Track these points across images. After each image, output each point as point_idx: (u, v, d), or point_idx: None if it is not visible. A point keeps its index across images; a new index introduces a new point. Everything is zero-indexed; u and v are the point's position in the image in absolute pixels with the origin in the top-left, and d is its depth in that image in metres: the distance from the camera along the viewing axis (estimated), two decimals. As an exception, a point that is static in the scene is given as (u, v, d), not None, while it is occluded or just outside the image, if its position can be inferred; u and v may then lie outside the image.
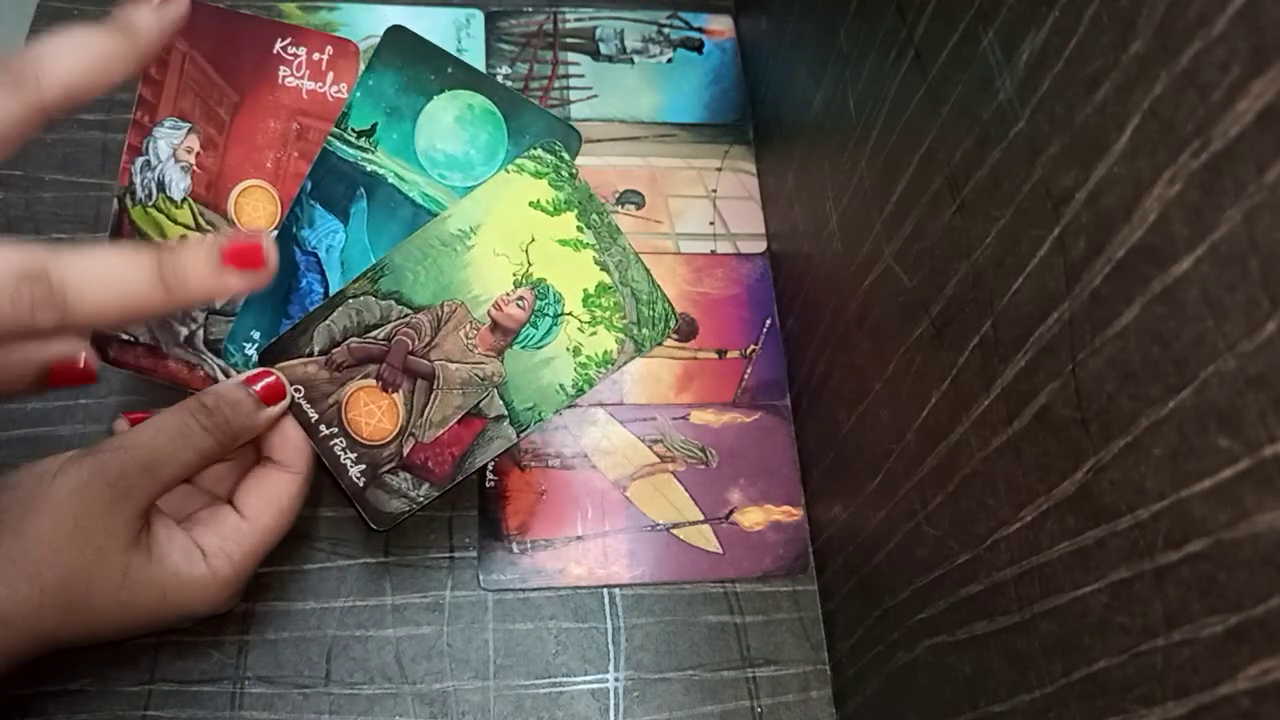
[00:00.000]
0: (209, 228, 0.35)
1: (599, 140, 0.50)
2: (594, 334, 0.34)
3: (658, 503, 0.43)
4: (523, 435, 0.35)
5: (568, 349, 0.34)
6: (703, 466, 0.44)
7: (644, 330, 0.34)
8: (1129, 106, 0.20)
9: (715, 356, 0.46)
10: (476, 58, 0.52)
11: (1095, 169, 0.21)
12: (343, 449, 0.35)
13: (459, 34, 0.52)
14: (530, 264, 0.34)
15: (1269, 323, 0.17)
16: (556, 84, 0.52)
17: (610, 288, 0.34)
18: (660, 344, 0.34)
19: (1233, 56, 0.17)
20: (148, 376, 0.36)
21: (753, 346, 0.47)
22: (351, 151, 0.34)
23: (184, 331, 0.36)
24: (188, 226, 0.35)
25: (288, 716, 0.37)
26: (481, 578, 0.40)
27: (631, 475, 0.43)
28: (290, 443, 0.34)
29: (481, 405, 0.34)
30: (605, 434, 0.44)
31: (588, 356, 0.34)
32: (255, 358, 0.35)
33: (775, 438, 0.45)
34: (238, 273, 0.28)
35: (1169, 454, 0.19)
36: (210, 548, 0.32)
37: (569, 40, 0.53)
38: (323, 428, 0.35)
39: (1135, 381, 0.20)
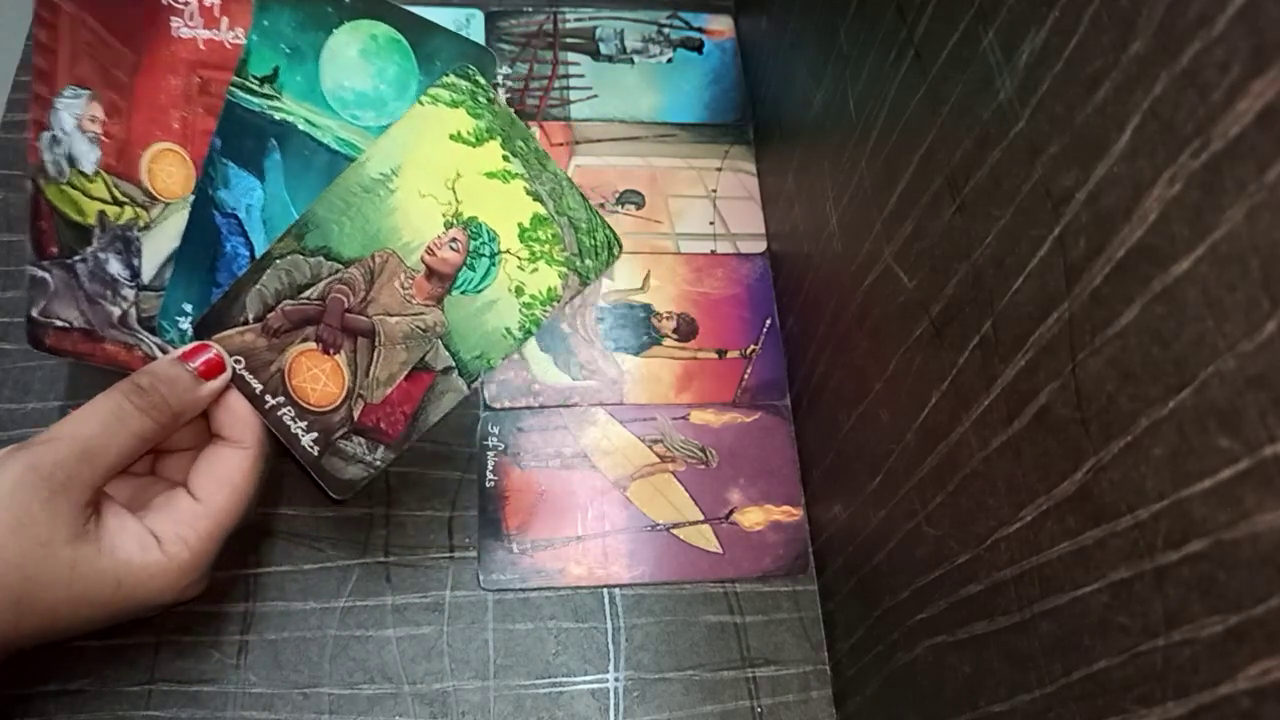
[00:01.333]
0: (125, 199, 0.33)
1: (599, 140, 0.51)
2: (535, 270, 0.32)
3: (658, 503, 0.43)
4: (473, 385, 0.33)
5: (509, 289, 0.32)
6: (703, 466, 0.44)
7: (587, 261, 0.32)
8: (1129, 106, 0.20)
9: (715, 356, 0.46)
10: (476, 58, 0.52)
11: (1095, 169, 0.21)
12: (292, 418, 0.33)
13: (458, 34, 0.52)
14: (459, 202, 0.32)
15: (1269, 323, 0.17)
16: (556, 84, 0.52)
17: (546, 219, 0.32)
18: (604, 272, 0.32)
19: (1233, 56, 0.17)
20: (88, 361, 0.35)
21: (753, 346, 0.47)
22: (256, 100, 0.32)
23: (116, 311, 0.34)
24: (103, 200, 0.33)
25: (288, 716, 0.37)
26: (481, 578, 0.40)
27: (631, 475, 0.43)
28: (237, 417, 0.33)
29: (427, 358, 0.33)
30: (605, 434, 0.44)
31: (531, 295, 0.32)
32: (191, 332, 0.33)
33: (775, 438, 0.45)
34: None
35: (1169, 454, 0.19)
36: (165, 534, 0.31)
37: (569, 40, 0.53)
38: (268, 398, 0.33)
39: (1135, 381, 0.20)
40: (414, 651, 0.38)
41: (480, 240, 0.32)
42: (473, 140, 0.31)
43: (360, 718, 0.37)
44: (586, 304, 0.47)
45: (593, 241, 0.32)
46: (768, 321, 0.47)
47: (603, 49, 0.53)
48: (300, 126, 0.32)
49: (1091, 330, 0.21)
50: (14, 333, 0.42)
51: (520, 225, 0.32)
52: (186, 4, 0.32)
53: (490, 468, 0.42)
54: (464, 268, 0.32)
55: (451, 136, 0.31)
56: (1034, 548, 0.24)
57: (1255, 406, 0.17)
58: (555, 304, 0.32)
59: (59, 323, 0.35)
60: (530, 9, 0.53)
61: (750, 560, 0.42)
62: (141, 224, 0.33)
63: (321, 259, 0.32)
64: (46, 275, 0.34)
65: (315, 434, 0.34)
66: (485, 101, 0.31)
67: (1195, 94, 0.18)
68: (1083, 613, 0.22)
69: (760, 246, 0.49)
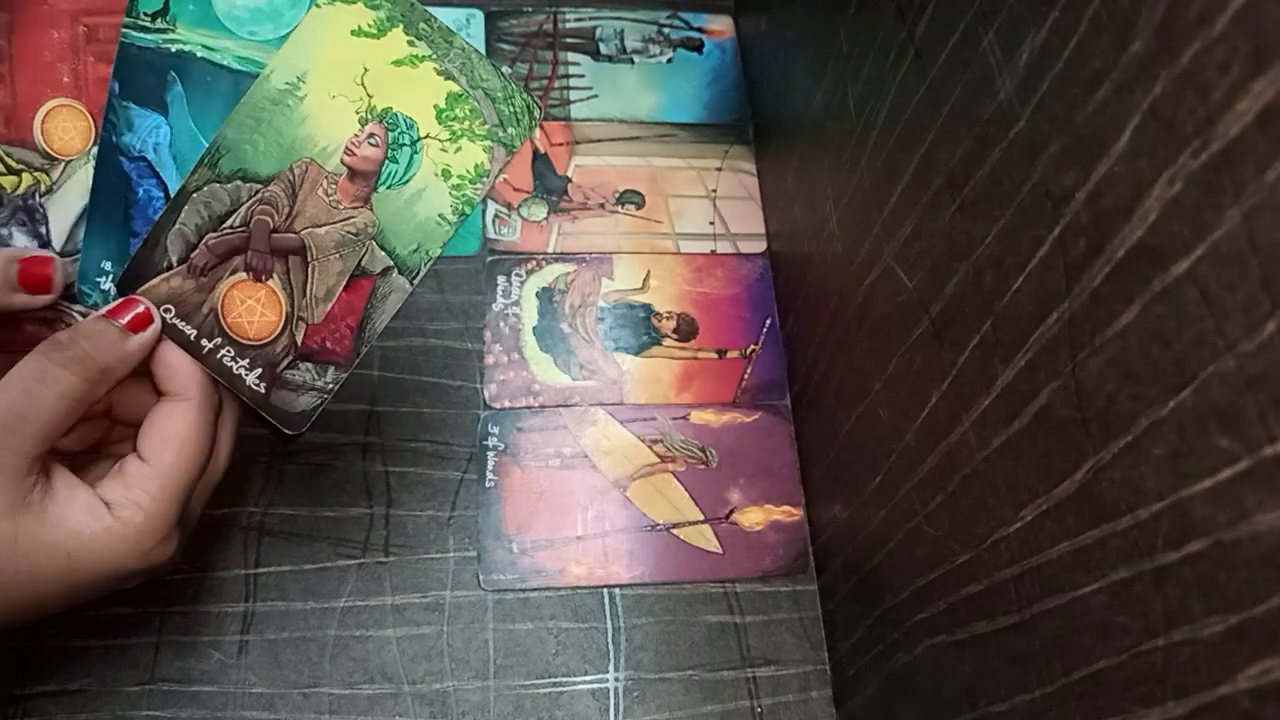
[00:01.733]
0: (20, 166, 0.32)
1: (599, 140, 0.51)
2: (459, 150, 0.31)
3: (658, 503, 0.43)
4: (415, 282, 0.32)
5: (436, 174, 0.31)
6: (703, 466, 0.44)
7: (509, 129, 0.31)
8: (1129, 106, 0.20)
9: (715, 356, 0.46)
10: (476, 58, 0.52)
11: (1095, 169, 0.21)
12: (232, 358, 0.32)
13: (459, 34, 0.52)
14: (370, 96, 0.31)
15: (1269, 323, 0.17)
16: (556, 84, 0.52)
17: (461, 95, 0.31)
18: (529, 137, 0.32)
19: (1233, 56, 0.17)
20: (8, 350, 0.33)
21: (753, 346, 0.47)
22: (151, 37, 0.31)
23: None
24: None
25: (288, 716, 0.37)
26: (481, 578, 0.40)
27: (631, 475, 0.43)
28: (173, 369, 0.31)
29: (364, 262, 0.32)
30: (605, 434, 0.44)
31: (460, 176, 0.31)
32: (114, 290, 0.32)
33: (775, 438, 0.45)
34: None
35: (1169, 454, 0.19)
36: (114, 499, 0.29)
37: (569, 40, 0.53)
38: (204, 342, 0.32)
39: (1135, 381, 0.20)
40: (414, 651, 0.38)
41: (398, 130, 0.31)
42: (375, 32, 0.31)
43: (360, 718, 0.37)
44: (587, 304, 0.47)
45: (511, 109, 0.31)
46: (768, 321, 0.47)
47: (603, 49, 0.53)
48: (199, 54, 0.31)
49: (1091, 330, 0.21)
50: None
51: (436, 107, 0.31)
52: None
53: (490, 468, 0.42)
54: (386, 161, 0.31)
55: (353, 33, 0.31)
56: (1034, 548, 0.24)
57: (1255, 406, 0.17)
58: (485, 180, 0.32)
59: None
60: (530, 9, 0.53)
61: (750, 560, 0.42)
62: (44, 189, 0.32)
63: (239, 183, 0.31)
64: None
65: (259, 369, 0.32)
66: None
67: (1195, 94, 0.18)
68: (1083, 613, 0.22)
69: (760, 246, 0.49)
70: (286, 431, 0.33)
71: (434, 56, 0.31)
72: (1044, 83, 0.22)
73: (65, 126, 0.32)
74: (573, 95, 0.51)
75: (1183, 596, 0.19)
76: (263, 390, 0.32)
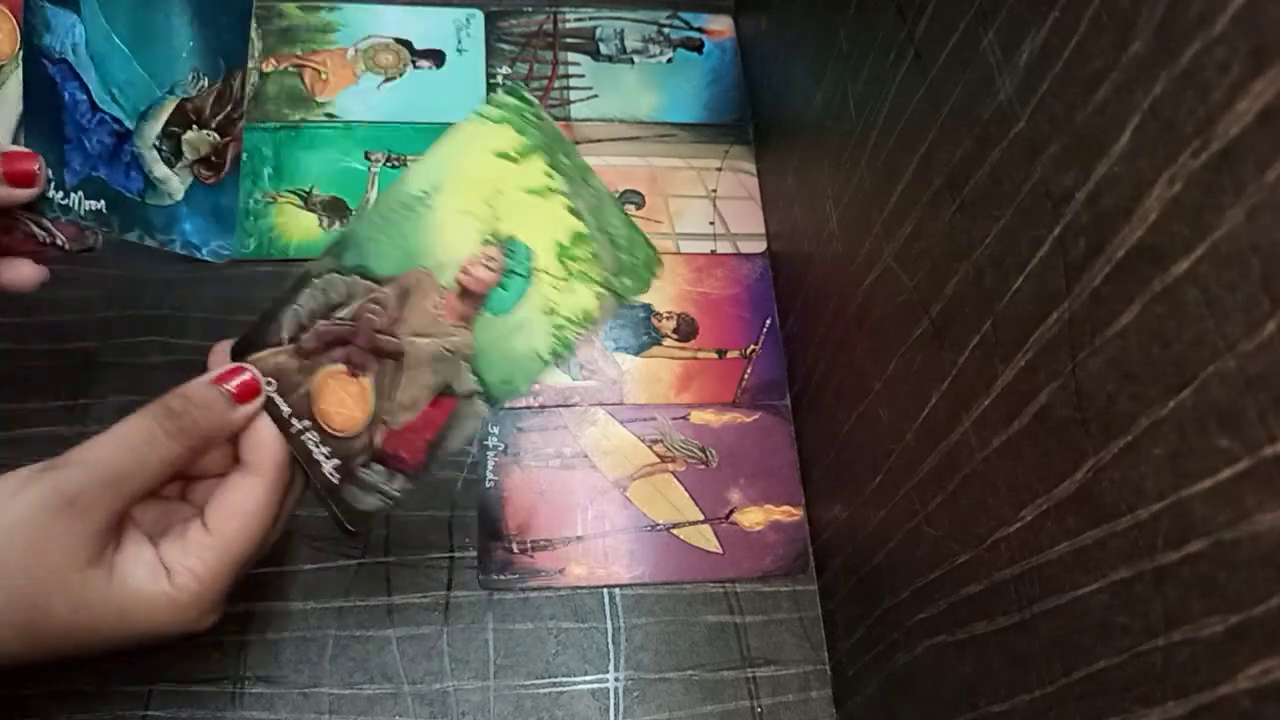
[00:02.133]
0: None
1: (599, 140, 0.51)
2: (570, 290, 0.31)
3: (658, 503, 0.43)
4: (496, 409, 0.32)
5: (542, 310, 0.31)
6: (703, 466, 0.44)
7: (625, 280, 0.30)
8: (1129, 106, 0.20)
9: (715, 356, 0.46)
10: (476, 57, 0.52)
11: (1095, 169, 0.21)
12: (315, 443, 0.32)
13: (459, 34, 0.52)
14: (498, 219, 0.31)
15: (1269, 323, 0.17)
16: (556, 84, 0.52)
17: (585, 236, 0.30)
18: (643, 291, 0.31)
19: (1233, 56, 0.17)
20: None
21: (753, 346, 0.47)
22: None
23: None
24: None
25: (288, 716, 0.37)
26: (481, 578, 0.40)
27: (631, 475, 0.43)
28: (258, 442, 0.31)
29: (452, 383, 0.32)
30: (605, 434, 0.44)
31: (565, 317, 0.31)
32: (56, 197, 0.31)
33: (775, 438, 0.45)
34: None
35: (1169, 454, 0.19)
36: (174, 564, 0.30)
37: (569, 40, 0.53)
38: (295, 421, 0.32)
39: (1135, 381, 0.20)
40: (414, 651, 0.38)
41: (516, 258, 0.31)
42: (516, 156, 0.30)
43: (360, 718, 0.37)
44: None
45: (632, 259, 0.30)
46: (768, 321, 0.47)
47: (603, 49, 0.53)
48: None
49: (1091, 330, 0.21)
50: (14, 332, 0.42)
51: (559, 243, 0.30)
52: None
53: (490, 468, 0.42)
54: (497, 287, 0.31)
55: (496, 153, 0.30)
56: (1034, 548, 0.24)
57: (1255, 406, 0.17)
58: (590, 326, 0.31)
59: None
60: (530, 9, 0.53)
61: (750, 560, 0.42)
62: None
63: (357, 277, 0.31)
64: None
65: (337, 461, 0.32)
66: (532, 118, 0.30)
67: (1195, 94, 0.18)
68: (1083, 613, 0.22)
69: (760, 246, 0.49)
70: (349, 528, 0.33)
71: (568, 192, 0.30)
72: (1044, 83, 0.22)
73: None
74: (573, 95, 0.51)
75: (1183, 596, 0.19)
76: (336, 481, 0.33)
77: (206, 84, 0.30)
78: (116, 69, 0.31)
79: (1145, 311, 0.20)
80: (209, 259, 0.32)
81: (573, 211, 0.30)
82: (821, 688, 0.40)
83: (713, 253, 0.49)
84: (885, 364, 0.33)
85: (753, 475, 0.44)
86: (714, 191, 0.50)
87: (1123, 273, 0.20)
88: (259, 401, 0.32)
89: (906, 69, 0.30)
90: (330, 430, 0.32)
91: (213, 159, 0.31)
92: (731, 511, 0.43)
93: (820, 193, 0.40)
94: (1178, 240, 0.19)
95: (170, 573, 0.30)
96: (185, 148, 0.31)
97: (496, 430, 0.43)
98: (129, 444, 0.29)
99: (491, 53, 0.52)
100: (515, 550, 0.41)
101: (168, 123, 0.31)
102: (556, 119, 0.51)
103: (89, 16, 0.30)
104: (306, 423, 0.32)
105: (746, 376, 0.46)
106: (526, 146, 0.30)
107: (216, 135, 0.31)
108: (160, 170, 0.31)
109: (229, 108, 0.31)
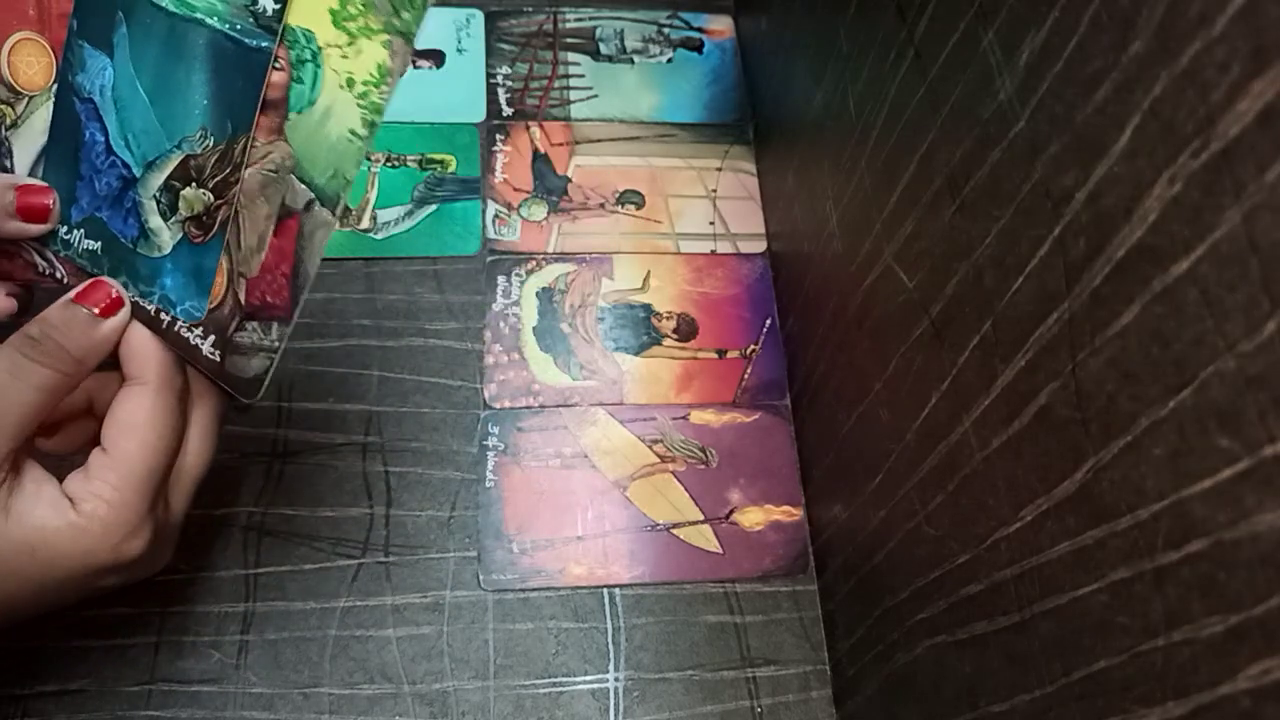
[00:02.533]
0: None
1: (599, 140, 0.51)
2: (359, 52, 0.29)
3: (658, 503, 0.43)
4: (338, 213, 0.31)
5: (340, 85, 0.29)
6: (703, 466, 0.44)
7: (404, 15, 0.29)
8: (1129, 106, 0.20)
9: (715, 356, 0.46)
10: (476, 57, 0.52)
11: (1095, 169, 0.21)
12: (188, 329, 0.31)
13: (459, 34, 0.52)
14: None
15: (1269, 323, 0.17)
16: (556, 84, 0.52)
17: None
18: (423, 17, 0.29)
19: (1233, 56, 0.17)
20: None
21: (753, 346, 0.47)
22: None
23: None
24: None
25: (288, 716, 0.37)
26: (481, 578, 0.40)
27: (631, 475, 0.43)
28: (132, 349, 0.30)
29: (286, 201, 0.30)
30: (605, 434, 0.44)
31: (364, 82, 0.29)
32: (60, 231, 0.31)
33: (775, 438, 0.45)
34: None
35: (1169, 454, 0.19)
36: (78, 493, 0.28)
37: (569, 40, 0.53)
38: (164, 315, 0.31)
39: (1135, 381, 0.20)
40: (414, 651, 0.38)
41: (299, 46, 0.29)
42: None
43: (360, 718, 0.37)
44: (586, 304, 0.47)
45: None
46: (768, 321, 0.47)
47: (603, 49, 0.53)
48: None
49: (1091, 330, 0.21)
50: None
51: (330, 10, 0.29)
52: None
53: (490, 468, 0.42)
54: (292, 83, 0.29)
55: None
56: (1034, 548, 0.24)
57: (1255, 406, 0.17)
58: (389, 79, 0.29)
59: None
60: (530, 9, 0.53)
61: (750, 560, 0.42)
62: (9, 122, 0.31)
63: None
64: None
65: (213, 337, 0.31)
66: None
67: (1195, 94, 0.18)
68: (1083, 613, 0.22)
69: (760, 246, 0.49)
70: (243, 400, 0.32)
71: None
72: (1044, 83, 0.22)
73: (30, 61, 0.31)
74: (573, 95, 0.51)
75: (1183, 596, 0.19)
76: (217, 358, 0.31)
77: (211, 144, 0.30)
78: (135, 116, 0.31)
79: (1145, 311, 0.20)
80: (181, 318, 0.31)
81: None
82: (821, 688, 0.40)
83: (713, 253, 0.49)
84: (885, 364, 0.33)
85: (753, 475, 0.44)
86: (714, 191, 0.50)
87: (1123, 273, 0.20)
88: (125, 313, 0.30)
89: (906, 69, 0.30)
90: None
91: (204, 218, 0.31)
92: (731, 511, 0.43)
93: (820, 193, 0.40)
94: (1178, 240, 0.19)
95: (75, 502, 0.28)
96: (181, 203, 0.30)
97: (496, 430, 0.43)
98: None
99: (491, 53, 0.52)
100: (515, 550, 0.41)
101: (170, 176, 0.31)
102: (557, 119, 0.51)
103: (120, 61, 0.30)
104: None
105: (746, 376, 0.46)
106: None
107: (211, 196, 0.30)
108: (155, 221, 0.31)
109: (227, 171, 0.30)
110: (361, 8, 0.29)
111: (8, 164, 0.31)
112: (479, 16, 0.53)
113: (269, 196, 0.30)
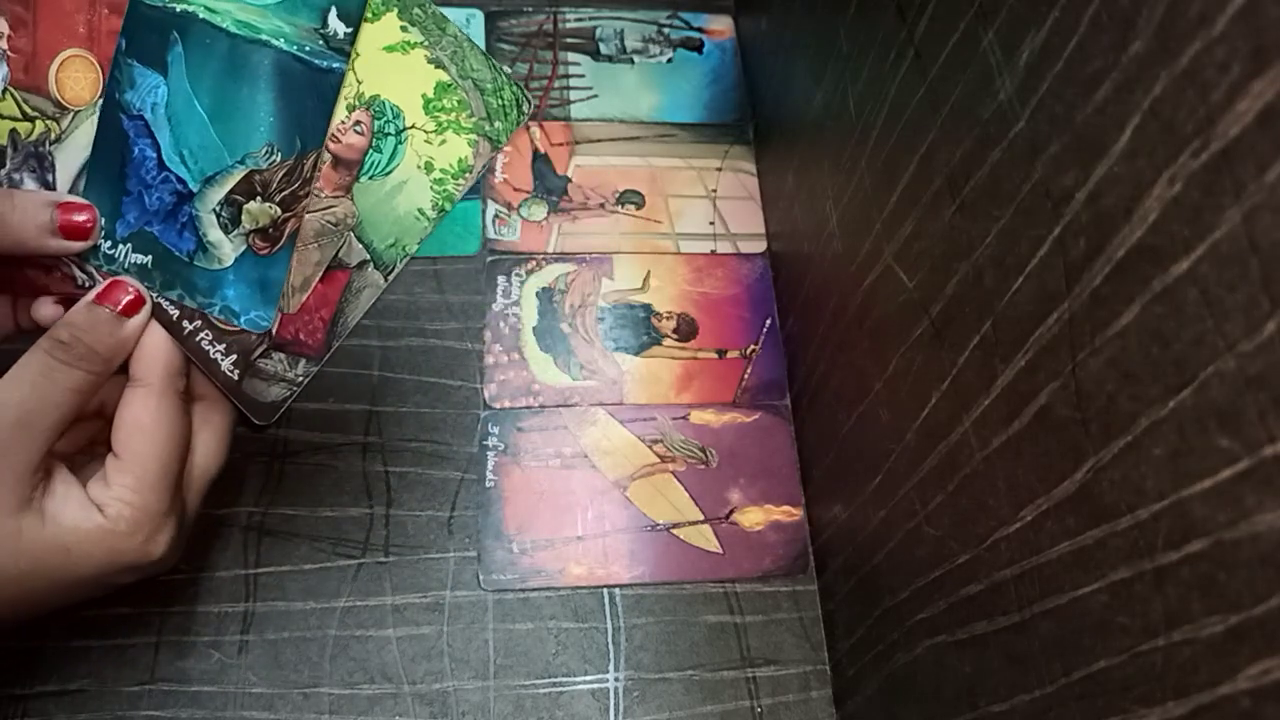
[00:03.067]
0: (35, 113, 0.32)
1: (599, 140, 0.51)
2: (443, 142, 0.31)
3: (658, 503, 0.43)
4: (390, 278, 0.32)
5: (419, 166, 0.31)
6: (703, 466, 0.44)
7: (496, 123, 0.31)
8: (1129, 106, 0.20)
9: (715, 356, 0.46)
10: (476, 58, 0.52)
11: (1095, 169, 0.21)
12: (210, 341, 0.32)
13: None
14: (360, 82, 0.30)
15: (1269, 323, 0.17)
16: (556, 84, 0.52)
17: (450, 85, 0.30)
18: (515, 132, 0.31)
19: (1233, 56, 0.17)
20: (6, 294, 0.33)
21: (753, 346, 0.47)
22: None
23: None
24: (13, 118, 0.32)
25: (288, 716, 0.37)
26: (481, 578, 0.40)
27: (631, 475, 0.43)
28: (145, 353, 0.31)
29: (340, 254, 0.31)
30: (605, 434, 0.44)
31: (442, 170, 0.31)
32: (104, 246, 0.32)
33: (775, 438, 0.45)
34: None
35: (1169, 454, 0.19)
36: (100, 497, 0.29)
37: (569, 40, 0.53)
38: (186, 323, 0.31)
39: (1135, 381, 0.20)
40: (414, 651, 0.38)
41: (384, 119, 0.31)
42: (370, 15, 0.30)
43: (360, 718, 0.37)
44: (586, 304, 0.47)
45: (500, 102, 0.31)
46: (768, 321, 0.47)
47: (603, 49, 0.53)
48: (201, 15, 0.31)
49: (1091, 330, 0.21)
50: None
51: (424, 96, 0.30)
52: None
53: (490, 468, 0.42)
54: (370, 150, 0.31)
55: None
56: (1034, 548, 0.24)
57: (1255, 406, 0.17)
58: (467, 175, 0.31)
59: None
60: (530, 9, 0.53)
61: (750, 560, 0.42)
62: (54, 137, 0.32)
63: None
64: None
65: (234, 356, 0.32)
66: None
67: (1195, 94, 0.18)
68: (1083, 613, 0.22)
69: (760, 246, 0.49)
70: (256, 421, 0.33)
71: (426, 43, 0.30)
72: (1044, 83, 0.22)
73: (77, 77, 0.31)
74: (573, 95, 0.51)
75: (1183, 596, 0.19)
76: (236, 377, 0.32)
77: (279, 159, 0.31)
78: (192, 133, 0.31)
79: (1145, 311, 0.20)
80: (246, 328, 0.32)
81: (433, 62, 0.30)
82: (821, 688, 0.40)
83: (713, 253, 0.49)
84: (885, 364, 0.33)
85: (753, 475, 0.44)
86: (714, 191, 0.50)
87: (1123, 273, 0.20)
88: (146, 311, 0.31)
89: (906, 69, 0.30)
90: (224, 326, 0.32)
91: (270, 230, 0.32)
92: (731, 511, 0.43)
93: (820, 193, 0.40)
94: (1178, 240, 0.19)
95: (101, 506, 0.29)
96: (245, 216, 0.31)
97: (496, 430, 0.43)
98: (29, 381, 0.28)
99: (491, 53, 0.52)
100: (515, 550, 0.41)
101: (232, 190, 0.31)
102: (556, 119, 0.51)
103: (174, 80, 0.31)
104: (198, 323, 0.32)
105: (746, 376, 0.46)
106: (376, 4, 0.30)
107: (279, 209, 0.31)
108: (215, 235, 0.32)
109: (297, 185, 0.31)
110: (456, 104, 0.30)
111: (50, 178, 0.32)
112: (479, 16, 0.53)
113: (322, 245, 0.31)
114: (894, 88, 0.31)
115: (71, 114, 0.32)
